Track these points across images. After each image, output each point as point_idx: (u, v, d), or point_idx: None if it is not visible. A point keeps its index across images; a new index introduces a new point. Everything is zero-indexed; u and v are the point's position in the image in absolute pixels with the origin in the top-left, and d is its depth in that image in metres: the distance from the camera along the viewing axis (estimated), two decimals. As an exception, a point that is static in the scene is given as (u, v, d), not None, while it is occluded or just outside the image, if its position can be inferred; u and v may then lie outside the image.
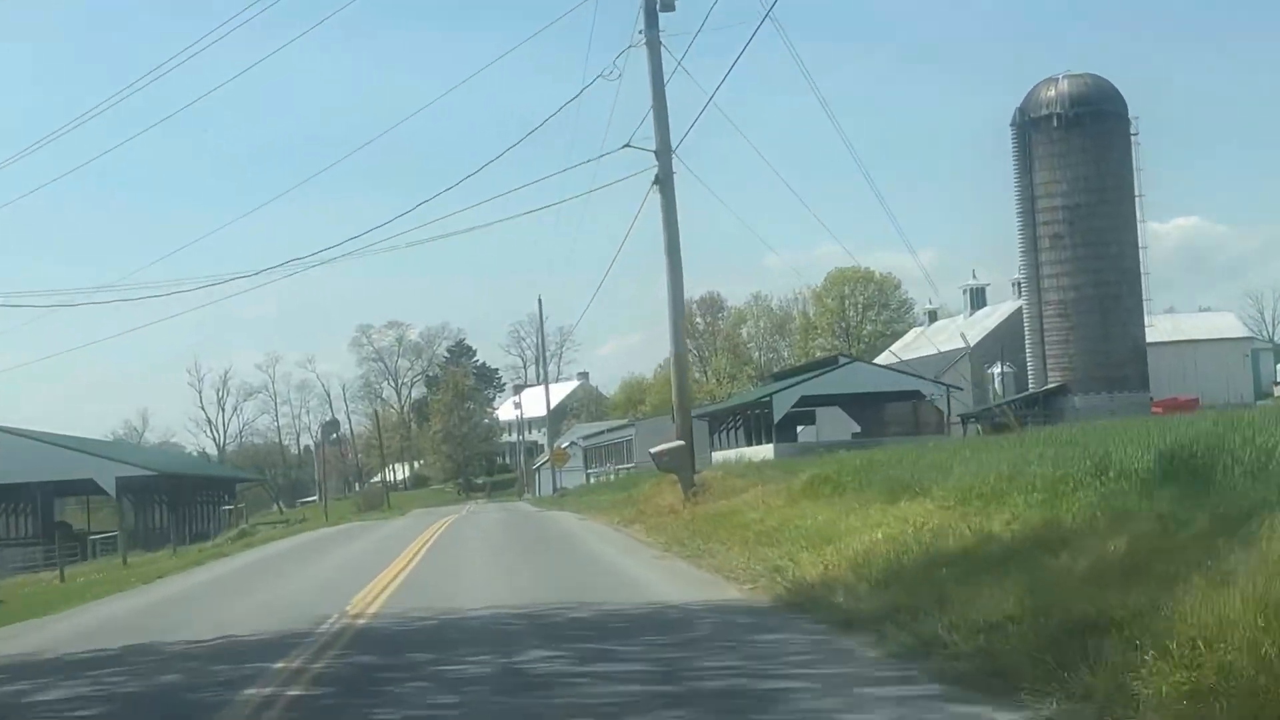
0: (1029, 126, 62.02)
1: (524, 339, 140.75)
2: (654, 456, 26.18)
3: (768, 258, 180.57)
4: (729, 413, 68.07)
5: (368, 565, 20.39)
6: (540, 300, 71.26)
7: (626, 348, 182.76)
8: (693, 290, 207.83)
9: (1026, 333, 63.69)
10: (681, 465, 25.57)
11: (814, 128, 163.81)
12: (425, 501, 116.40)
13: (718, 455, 67.44)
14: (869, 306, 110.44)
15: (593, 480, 79.55)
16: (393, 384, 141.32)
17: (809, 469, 21.39)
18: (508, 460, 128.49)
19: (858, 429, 66.47)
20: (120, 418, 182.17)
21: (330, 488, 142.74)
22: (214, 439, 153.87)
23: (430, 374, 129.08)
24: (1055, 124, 60.99)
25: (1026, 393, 63.52)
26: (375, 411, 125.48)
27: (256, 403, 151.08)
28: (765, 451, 57.05)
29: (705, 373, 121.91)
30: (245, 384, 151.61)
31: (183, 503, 69.71)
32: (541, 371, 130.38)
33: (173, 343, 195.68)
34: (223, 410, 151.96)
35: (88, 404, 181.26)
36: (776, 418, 59.41)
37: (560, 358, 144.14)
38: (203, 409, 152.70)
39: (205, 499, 70.74)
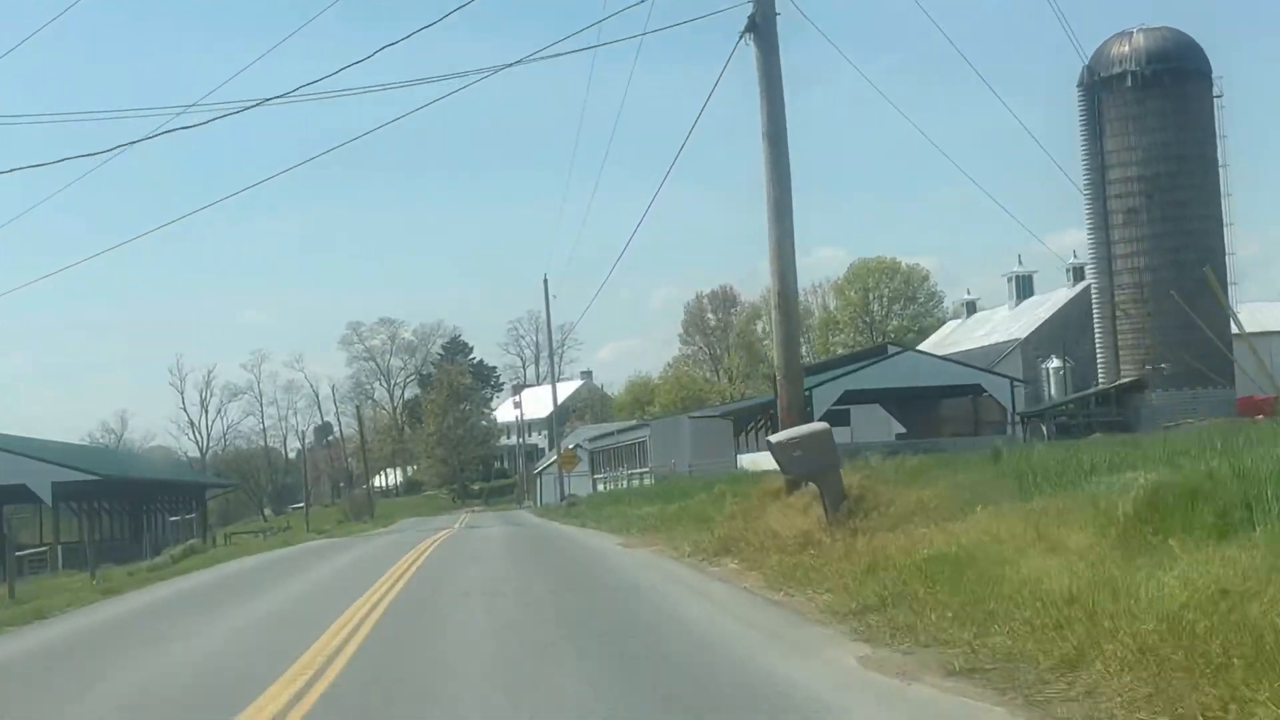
0: (1099, 87, 54.64)
1: (523, 337, 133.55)
2: (776, 450, 15.77)
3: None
4: (756, 411, 60.66)
5: (282, 643, 11.53)
6: (546, 280, 62.98)
7: (627, 350, 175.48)
8: (702, 284, 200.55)
9: (1095, 320, 56.22)
10: (823, 464, 15.92)
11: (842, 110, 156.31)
12: (417, 509, 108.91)
13: (744, 459, 59.99)
14: (894, 299, 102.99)
15: (602, 487, 72.05)
16: (384, 384, 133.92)
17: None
18: (506, 465, 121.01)
19: (901, 429, 59.06)
20: (98, 419, 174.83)
21: (323, 493, 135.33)
22: (197, 442, 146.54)
23: (424, 373, 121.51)
24: (1129, 83, 53.64)
25: (1095, 388, 56.03)
26: (357, 409, 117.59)
27: (242, 404, 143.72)
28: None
29: (717, 372, 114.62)
30: (230, 384, 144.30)
31: (141, 511, 62.24)
32: (547, 369, 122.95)
33: (155, 339, 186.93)
34: (206, 412, 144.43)
35: (66, 405, 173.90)
36: (818, 414, 51.94)
37: (561, 357, 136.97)
38: (185, 411, 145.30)
39: (167, 507, 63.15)
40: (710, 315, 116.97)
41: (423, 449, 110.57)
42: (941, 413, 53.96)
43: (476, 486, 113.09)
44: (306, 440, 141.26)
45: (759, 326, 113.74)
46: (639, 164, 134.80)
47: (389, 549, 27.67)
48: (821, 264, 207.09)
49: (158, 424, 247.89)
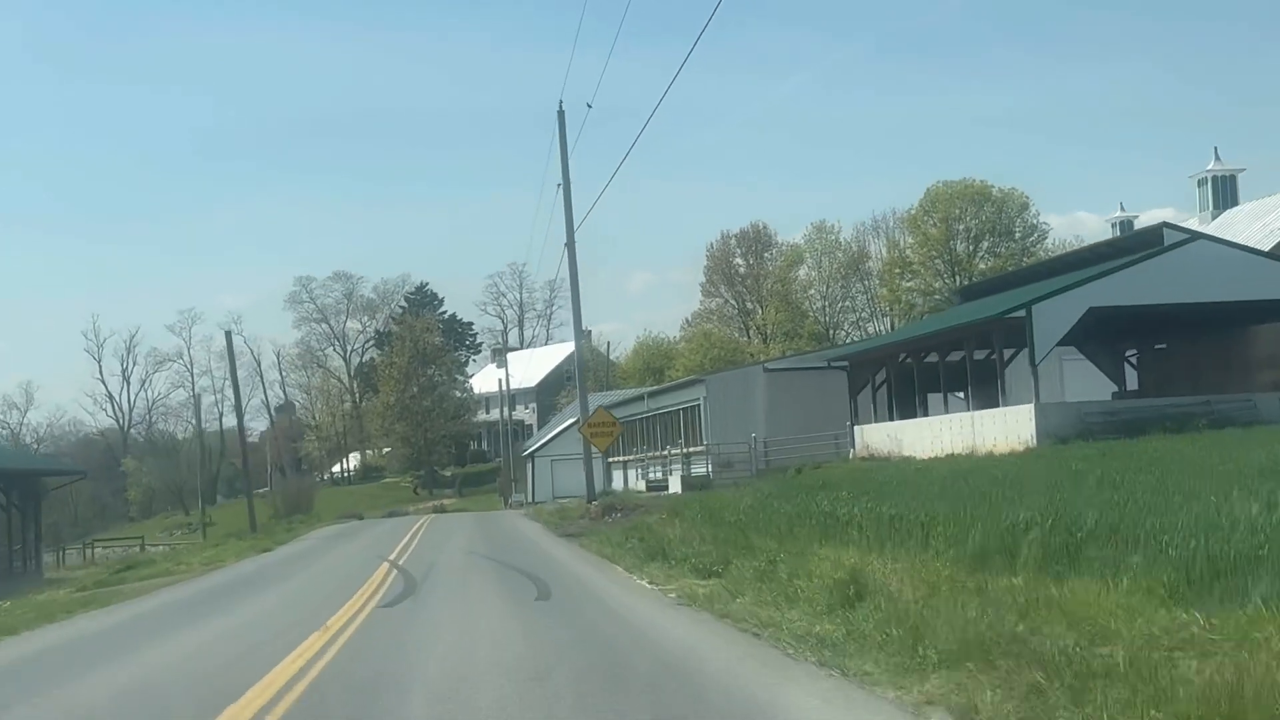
0: None
1: (504, 295, 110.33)
2: None
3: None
4: (894, 351, 37.80)
5: None
6: (561, 111, 37.64)
7: (637, 304, 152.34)
8: (732, 221, 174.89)
9: None
10: None
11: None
12: (371, 501, 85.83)
13: (871, 432, 37.34)
14: (984, 234, 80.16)
15: (637, 477, 49.18)
16: (339, 350, 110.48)
17: None
18: (485, 446, 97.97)
19: (1118, 387, 36.25)
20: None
21: (267, 481, 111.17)
22: (116, 419, 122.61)
23: (382, 330, 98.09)
24: None
25: None
26: (261, 367, 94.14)
27: (170, 374, 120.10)
28: (1005, 423, 27.52)
29: (747, 329, 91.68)
30: (155, 351, 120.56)
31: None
32: (536, 331, 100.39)
33: (68, 296, 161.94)
34: (127, 384, 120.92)
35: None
36: (1041, 349, 29.09)
37: (550, 319, 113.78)
38: (102, 382, 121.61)
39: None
40: (739, 260, 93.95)
41: (378, 425, 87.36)
42: (1253, 352, 31.05)
43: (448, 472, 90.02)
44: (255, 416, 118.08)
45: (802, 271, 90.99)
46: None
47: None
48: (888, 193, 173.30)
49: (70, 398, 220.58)
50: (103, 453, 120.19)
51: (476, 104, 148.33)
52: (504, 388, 74.09)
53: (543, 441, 70.41)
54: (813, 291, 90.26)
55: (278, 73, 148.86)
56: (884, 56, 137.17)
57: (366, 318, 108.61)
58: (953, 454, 31.53)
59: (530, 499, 61.82)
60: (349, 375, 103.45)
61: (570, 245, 32.71)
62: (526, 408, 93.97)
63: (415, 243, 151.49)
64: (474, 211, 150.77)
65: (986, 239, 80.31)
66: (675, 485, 41.99)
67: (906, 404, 36.51)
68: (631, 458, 55.00)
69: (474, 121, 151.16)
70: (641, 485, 49.06)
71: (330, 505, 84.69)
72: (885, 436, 36.51)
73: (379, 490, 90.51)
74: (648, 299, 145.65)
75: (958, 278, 79.89)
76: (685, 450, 45.51)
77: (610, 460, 59.52)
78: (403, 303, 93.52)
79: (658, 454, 48.87)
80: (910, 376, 37.05)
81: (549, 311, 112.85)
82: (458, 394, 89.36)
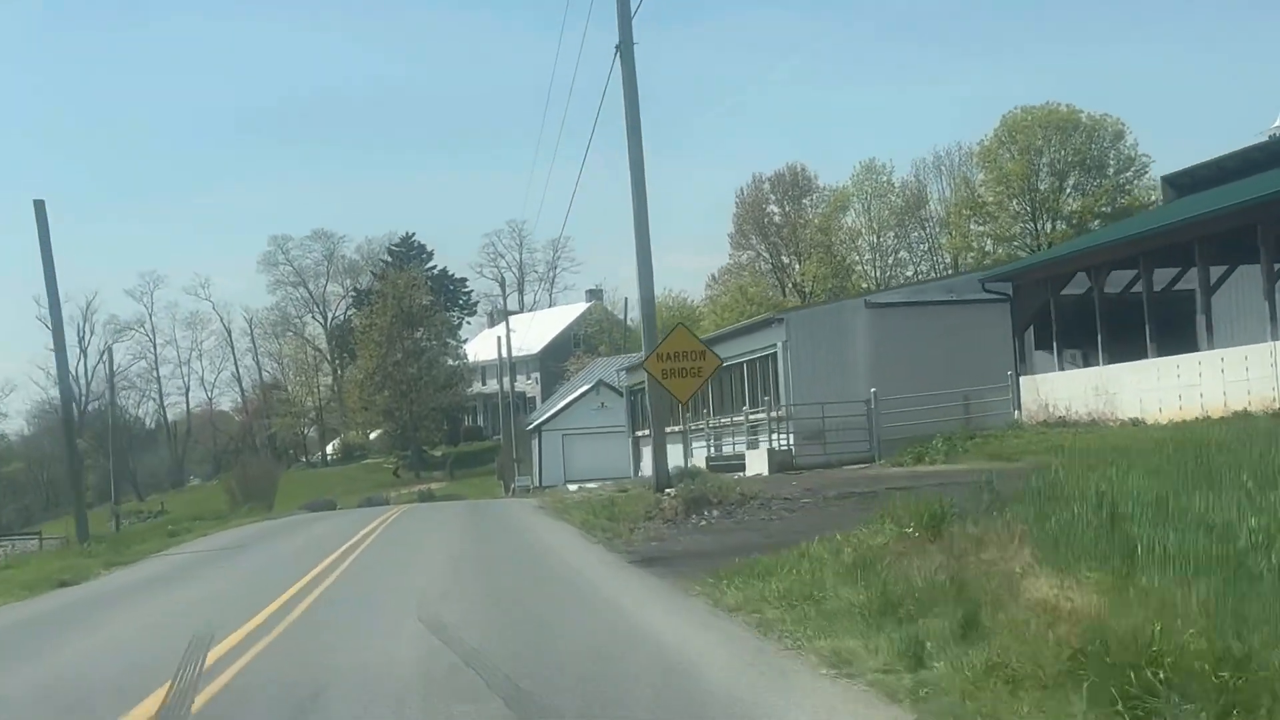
0: None
1: (503, 256, 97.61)
2: None
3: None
4: (1082, 265, 25.32)
5: None
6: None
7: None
8: (766, 163, 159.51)
9: None
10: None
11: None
12: (351, 485, 73.49)
13: (1054, 384, 24.92)
14: (1070, 169, 67.69)
15: (688, 455, 36.95)
16: (319, 317, 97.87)
17: None
18: (481, 422, 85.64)
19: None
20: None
21: (229, 463, 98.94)
22: (73, 393, 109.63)
23: (361, 288, 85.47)
24: None
25: None
26: (231, 336, 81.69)
27: (132, 344, 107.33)
28: None
29: (783, 286, 79.26)
30: (114, 318, 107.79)
31: None
32: (537, 293, 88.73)
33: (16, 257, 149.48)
34: (85, 355, 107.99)
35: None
36: None
37: (553, 282, 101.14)
38: (55, 352, 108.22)
39: None
40: (773, 208, 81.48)
41: (356, 396, 74.86)
42: None
43: (438, 452, 77.67)
44: (213, 390, 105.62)
45: (849, 218, 78.47)
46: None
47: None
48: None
49: (20, 371, 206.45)
50: (54, 432, 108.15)
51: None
52: (504, 349, 61.59)
53: (552, 412, 58.16)
54: (861, 241, 77.78)
55: (255, 51, 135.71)
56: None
57: (349, 281, 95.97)
58: (1235, 412, 19.28)
59: (537, 482, 49.49)
60: (328, 342, 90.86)
61: (625, 45, 19.92)
62: (529, 378, 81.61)
63: (403, 199, 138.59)
64: (468, 163, 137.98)
65: (1073, 174, 67.81)
66: (758, 463, 29.66)
67: (1120, 341, 24.08)
68: (674, 429, 42.57)
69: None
70: (696, 464, 36.85)
71: (300, 490, 72.45)
72: (1084, 390, 24.09)
73: (359, 473, 78.22)
74: (668, 256, 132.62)
75: (1041, 220, 67.59)
76: (766, 415, 33.14)
77: (640, 434, 47.16)
78: (386, 256, 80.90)
79: (719, 423, 36.35)
80: (1116, 306, 24.66)
81: (551, 274, 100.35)
82: (449, 361, 76.90)
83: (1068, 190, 67.82)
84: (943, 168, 74.61)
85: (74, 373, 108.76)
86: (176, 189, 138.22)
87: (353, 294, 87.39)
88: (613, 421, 54.31)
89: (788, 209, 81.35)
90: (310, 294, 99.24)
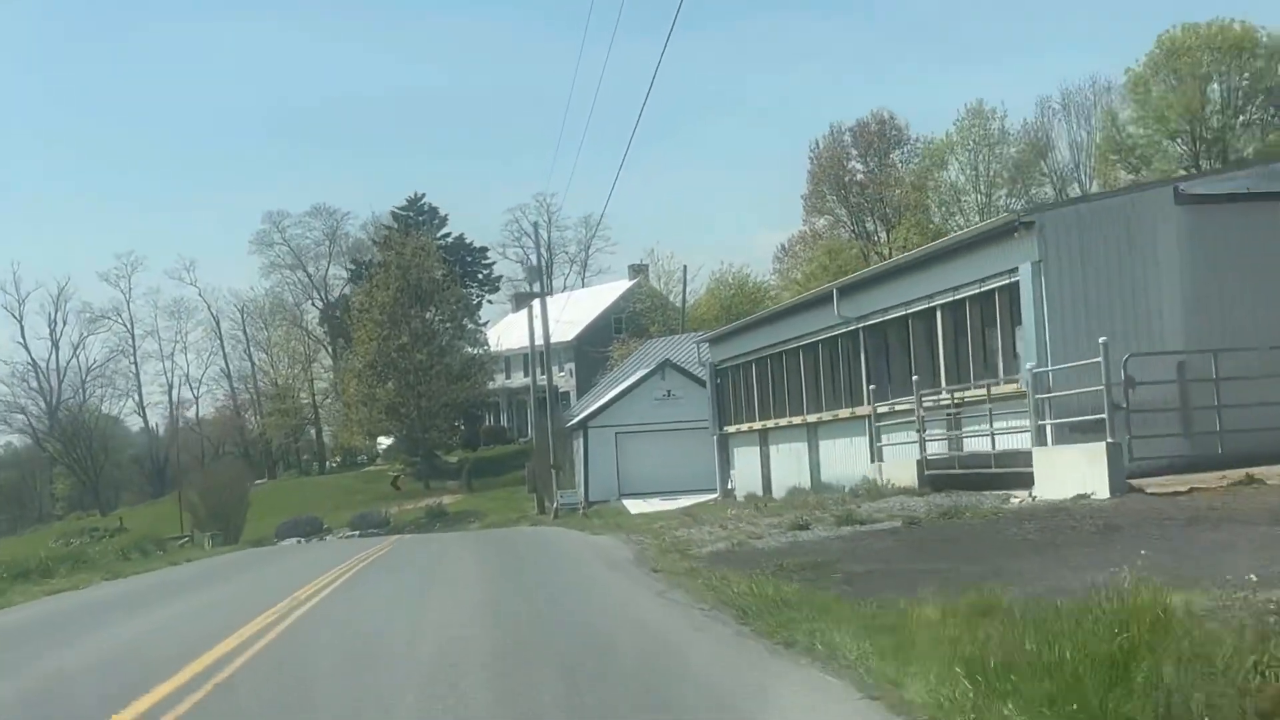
0: None
1: (528, 235, 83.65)
2: None
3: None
4: None
5: None
6: None
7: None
8: (847, 110, 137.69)
9: None
10: None
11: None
12: (347, 499, 60.02)
13: None
14: (1248, 99, 53.81)
15: (932, 443, 22.75)
16: (318, 303, 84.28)
17: None
18: (505, 422, 72.05)
19: None
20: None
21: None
22: (42, 391, 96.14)
23: (361, 260, 71.89)
24: None
25: None
26: (220, 327, 68.18)
27: (109, 337, 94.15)
28: None
29: (867, 257, 65.33)
30: (88, 306, 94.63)
31: None
32: (568, 275, 76.37)
33: None
34: (56, 348, 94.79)
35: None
36: None
37: (585, 265, 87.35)
38: (24, 346, 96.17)
39: None
40: (856, 164, 67.84)
41: (354, 389, 61.27)
42: None
43: (453, 458, 64.08)
44: (196, 391, 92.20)
45: (949, 174, 64.64)
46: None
47: None
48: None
49: None
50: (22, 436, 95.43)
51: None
52: (535, 322, 47.82)
53: (600, 404, 44.52)
54: (966, 201, 63.90)
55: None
56: None
57: (352, 263, 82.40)
58: None
59: (584, 499, 35.80)
60: (321, 326, 77.17)
61: None
62: (561, 369, 67.91)
63: (416, 169, 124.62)
64: (489, 136, 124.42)
65: (1251, 106, 53.88)
66: (1070, 470, 15.85)
67: None
68: (793, 421, 28.94)
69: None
70: (855, 476, 23.23)
71: (285, 504, 59.10)
72: None
73: (358, 482, 64.70)
74: (725, 224, 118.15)
75: (1210, 162, 53.69)
76: (991, 391, 19.39)
77: (732, 430, 33.57)
78: (389, 222, 67.32)
79: (941, 400, 21.97)
80: None
81: (583, 255, 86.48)
82: (466, 347, 63.29)
83: (1240, 123, 53.95)
84: (1071, 107, 60.82)
85: (43, 367, 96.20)
86: (168, 173, 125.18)
87: (350, 268, 73.78)
88: (684, 415, 40.74)
89: (872, 165, 67.74)
90: (309, 278, 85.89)
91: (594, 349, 64.35)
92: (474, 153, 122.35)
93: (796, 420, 28.91)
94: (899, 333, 23.78)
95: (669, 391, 41.30)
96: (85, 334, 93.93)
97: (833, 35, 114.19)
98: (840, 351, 26.36)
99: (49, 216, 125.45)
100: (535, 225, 43.45)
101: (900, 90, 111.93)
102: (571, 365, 69.24)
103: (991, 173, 63.27)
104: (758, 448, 31.85)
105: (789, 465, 29.79)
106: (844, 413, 26.13)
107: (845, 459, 26.26)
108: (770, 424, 30.79)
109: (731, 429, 33.77)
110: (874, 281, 24.95)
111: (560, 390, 65.43)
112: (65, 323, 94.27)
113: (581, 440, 42.42)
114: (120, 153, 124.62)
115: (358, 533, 48.63)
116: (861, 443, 25.20)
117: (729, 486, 34.40)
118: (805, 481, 28.52)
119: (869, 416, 23.93)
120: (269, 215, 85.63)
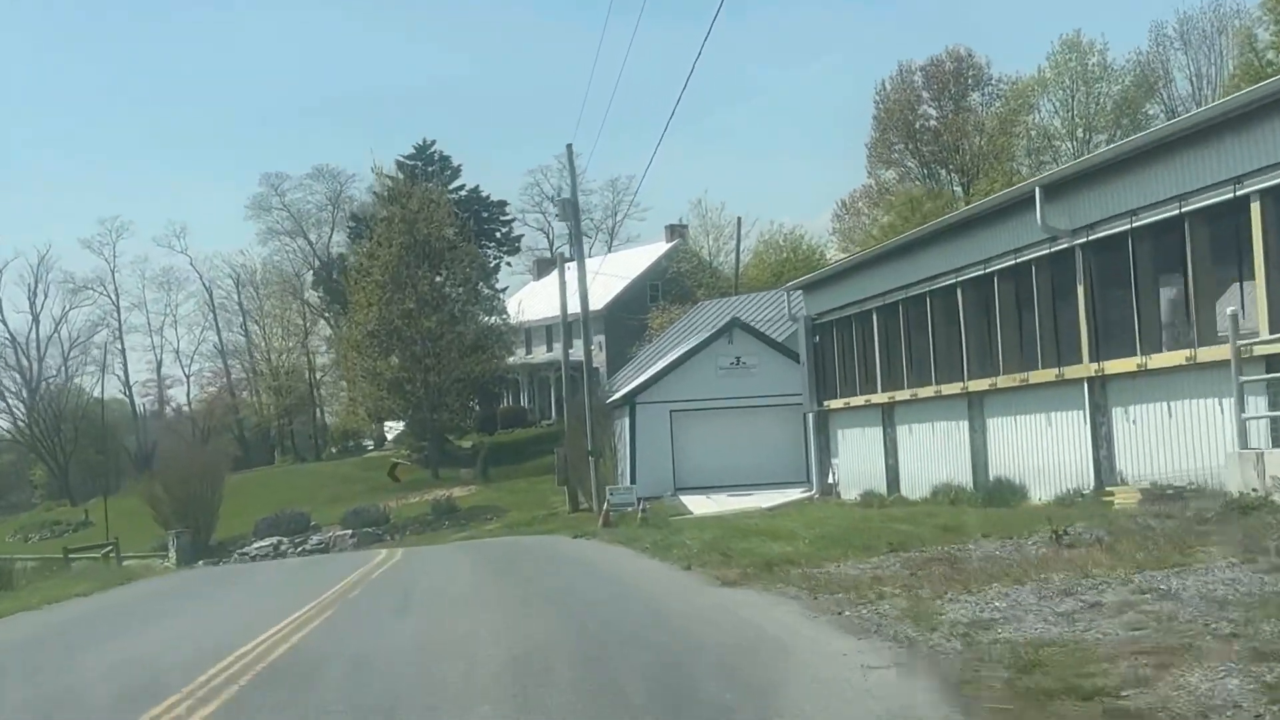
0: None
1: (550, 199, 75.22)
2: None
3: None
4: None
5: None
6: None
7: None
8: (918, 49, 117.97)
9: None
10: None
11: None
12: (345, 490, 51.77)
13: None
14: None
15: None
16: (322, 274, 75.80)
17: None
18: (525, 402, 63.67)
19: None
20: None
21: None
22: (20, 369, 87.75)
23: (363, 216, 63.30)
24: None
25: None
26: (213, 298, 59.86)
27: (92, 309, 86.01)
28: None
29: (939, 208, 56.50)
30: (70, 275, 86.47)
31: None
32: (596, 240, 68.75)
33: None
34: (36, 322, 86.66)
35: None
36: None
37: (613, 232, 78.82)
38: (1, 320, 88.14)
39: None
40: (928, 108, 59.19)
41: (353, 362, 52.88)
42: None
43: (466, 444, 55.73)
44: (188, 366, 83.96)
45: (1038, 118, 55.84)
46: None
47: None
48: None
49: None
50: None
51: None
52: (573, 304, 39.37)
53: (649, 374, 36.05)
54: (1061, 148, 55.13)
55: None
56: None
57: (353, 220, 73.85)
58: None
59: (635, 498, 27.33)
60: (324, 296, 68.63)
61: None
62: (594, 343, 59.31)
63: (428, 119, 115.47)
64: (512, 83, 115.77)
65: None
66: None
67: None
68: (942, 391, 20.41)
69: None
70: (1059, 469, 14.50)
71: (274, 495, 50.91)
72: None
73: (357, 470, 56.32)
74: (775, 183, 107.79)
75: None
76: None
77: (836, 404, 25.16)
78: (394, 172, 58.84)
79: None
80: None
81: (611, 222, 77.90)
82: (482, 315, 54.83)
83: None
84: (1191, 35, 52.05)
85: (22, 343, 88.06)
86: (158, 133, 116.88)
87: (351, 226, 65.21)
88: (757, 387, 32.32)
89: (947, 109, 59.05)
90: (310, 245, 77.57)
91: (631, 317, 55.93)
92: (496, 121, 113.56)
93: (949, 389, 20.42)
94: (1167, 244, 15.23)
95: (738, 359, 32.79)
96: (68, 307, 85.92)
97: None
98: (1039, 284, 17.82)
99: (29, 179, 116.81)
100: (569, 147, 34.30)
101: (979, 25, 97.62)
102: (601, 338, 60.71)
103: (1091, 114, 54.60)
104: (878, 428, 23.39)
105: (931, 452, 21.36)
106: (1041, 375, 17.63)
107: (1040, 444, 17.82)
108: (900, 396, 22.33)
109: (836, 404, 25.28)
110: (1113, 171, 16.32)
111: (594, 368, 56.96)
112: (46, 295, 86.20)
113: (628, 420, 33.88)
114: (107, 110, 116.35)
115: (350, 533, 40.36)
116: (1072, 419, 16.79)
117: (829, 479, 25.97)
118: (961, 475, 20.10)
119: (1092, 380, 15.49)
120: (266, 177, 77.40)
